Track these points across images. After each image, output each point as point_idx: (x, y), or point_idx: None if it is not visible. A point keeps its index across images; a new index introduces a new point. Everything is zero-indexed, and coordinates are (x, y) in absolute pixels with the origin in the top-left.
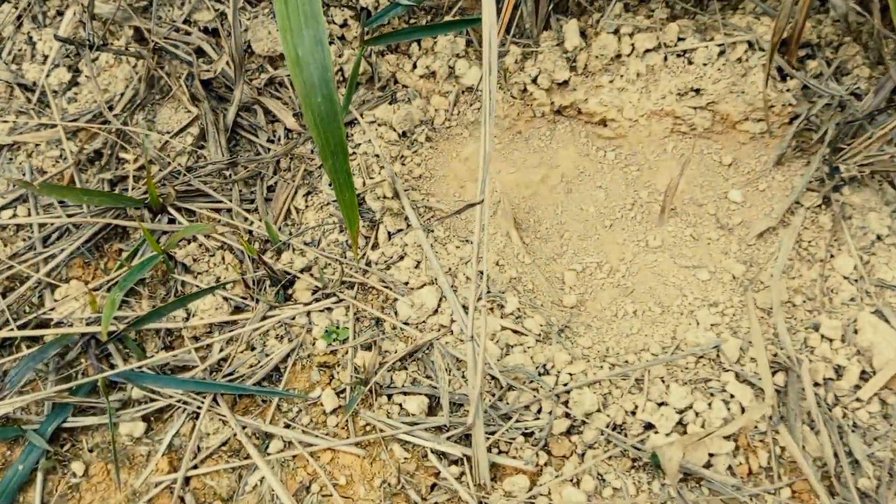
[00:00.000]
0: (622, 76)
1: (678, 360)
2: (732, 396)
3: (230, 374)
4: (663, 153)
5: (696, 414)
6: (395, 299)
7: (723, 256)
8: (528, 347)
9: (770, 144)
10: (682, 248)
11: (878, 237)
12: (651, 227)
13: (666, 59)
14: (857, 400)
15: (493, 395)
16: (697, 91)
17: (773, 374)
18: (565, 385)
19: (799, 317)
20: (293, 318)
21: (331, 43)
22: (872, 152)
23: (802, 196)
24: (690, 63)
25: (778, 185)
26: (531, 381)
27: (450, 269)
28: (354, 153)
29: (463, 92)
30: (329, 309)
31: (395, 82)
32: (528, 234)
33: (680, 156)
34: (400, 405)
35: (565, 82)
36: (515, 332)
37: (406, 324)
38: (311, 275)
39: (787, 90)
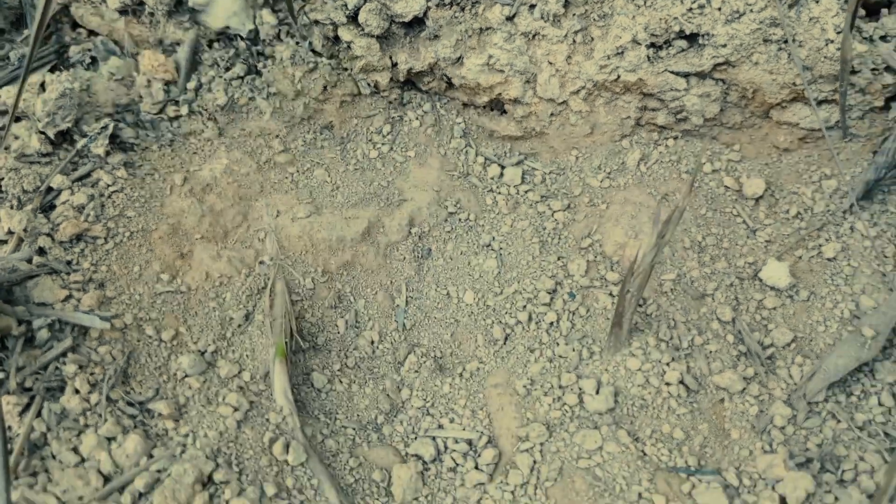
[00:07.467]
0: (534, 11)
1: None
2: None
3: None
4: (619, 171)
5: None
6: None
7: (762, 457)
8: None
9: (845, 154)
10: (656, 414)
11: None
12: (594, 353)
13: None
14: None
15: None
16: (693, 39)
17: None
18: None
19: None
20: None
21: None
22: None
23: None
24: None
25: (863, 249)
26: None
27: None
28: None
29: (212, 42)
30: None
31: (58, 23)
32: (321, 370)
33: (652, 177)
34: None
35: (418, 21)
36: None
37: None
38: None
39: (879, 38)
